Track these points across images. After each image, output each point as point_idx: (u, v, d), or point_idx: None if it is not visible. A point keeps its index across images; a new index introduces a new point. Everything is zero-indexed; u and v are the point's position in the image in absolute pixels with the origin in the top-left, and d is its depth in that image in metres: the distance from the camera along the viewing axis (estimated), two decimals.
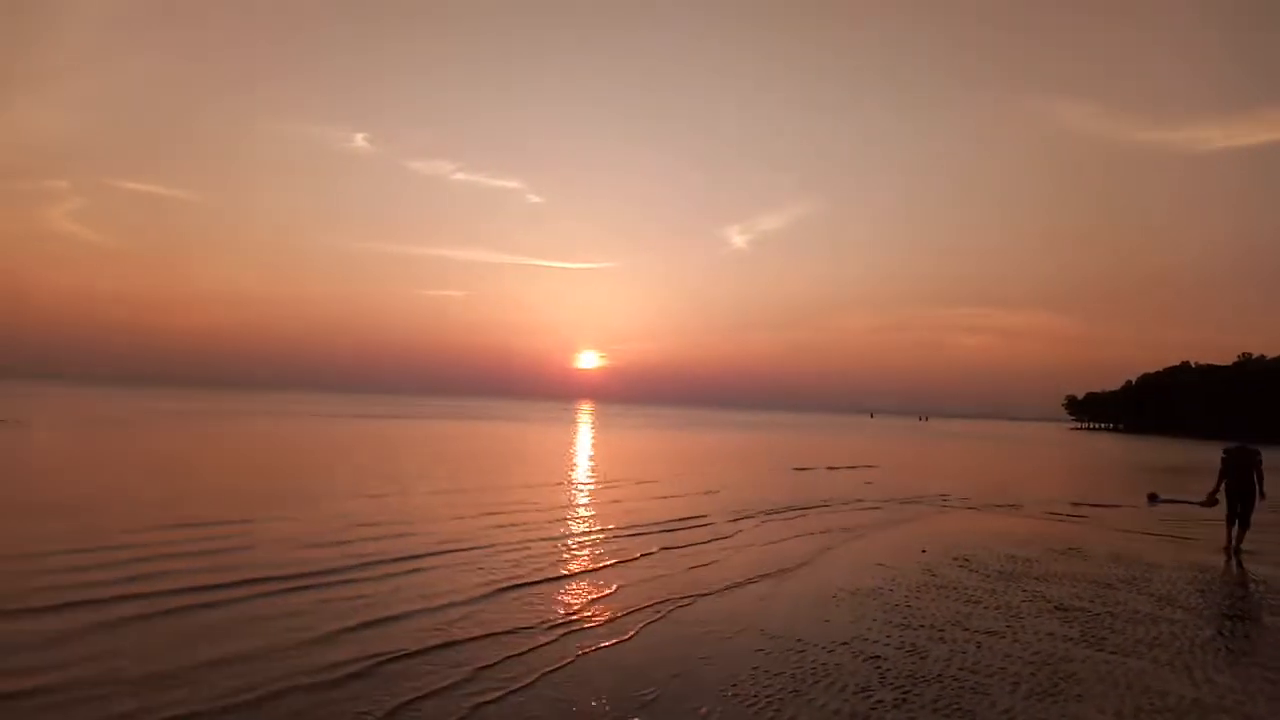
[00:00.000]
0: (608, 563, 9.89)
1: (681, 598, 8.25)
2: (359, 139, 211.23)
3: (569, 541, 11.26)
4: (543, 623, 7.14)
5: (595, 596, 8.23)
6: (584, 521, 13.20)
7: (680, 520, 13.54)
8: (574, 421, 67.37)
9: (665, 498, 16.65)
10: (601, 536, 11.79)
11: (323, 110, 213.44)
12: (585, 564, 9.81)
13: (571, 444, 36.09)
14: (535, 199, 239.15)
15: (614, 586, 8.66)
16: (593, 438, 42.99)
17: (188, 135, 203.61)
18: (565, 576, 9.05)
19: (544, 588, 8.48)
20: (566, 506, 14.96)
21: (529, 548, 10.56)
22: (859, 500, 17.94)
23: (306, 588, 7.98)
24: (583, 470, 22.86)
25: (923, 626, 7.54)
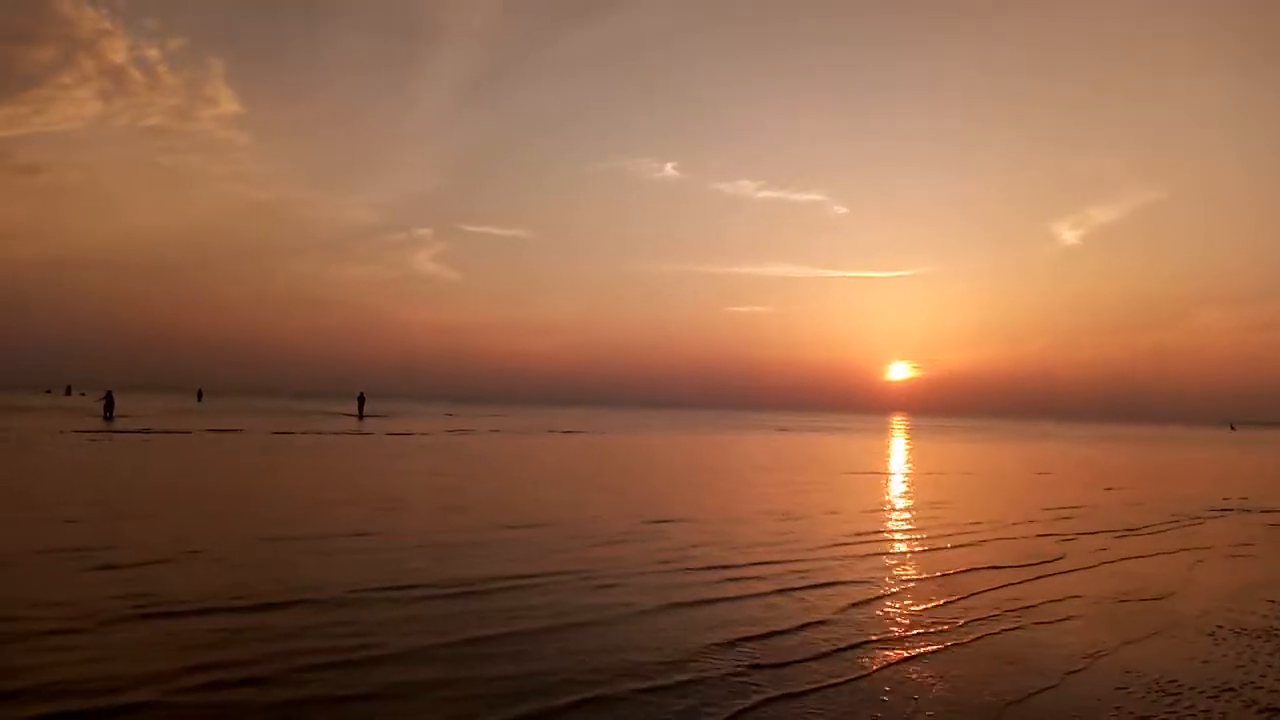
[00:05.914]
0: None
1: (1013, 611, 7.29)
2: (668, 167, 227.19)
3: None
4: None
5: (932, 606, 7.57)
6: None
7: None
8: (936, 436, 60.10)
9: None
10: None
11: (637, 144, 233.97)
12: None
13: (1010, 463, 32.79)
14: (840, 210, 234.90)
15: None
16: (996, 453, 37.94)
17: (522, 180, 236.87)
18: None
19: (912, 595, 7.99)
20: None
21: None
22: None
23: None
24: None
25: None
